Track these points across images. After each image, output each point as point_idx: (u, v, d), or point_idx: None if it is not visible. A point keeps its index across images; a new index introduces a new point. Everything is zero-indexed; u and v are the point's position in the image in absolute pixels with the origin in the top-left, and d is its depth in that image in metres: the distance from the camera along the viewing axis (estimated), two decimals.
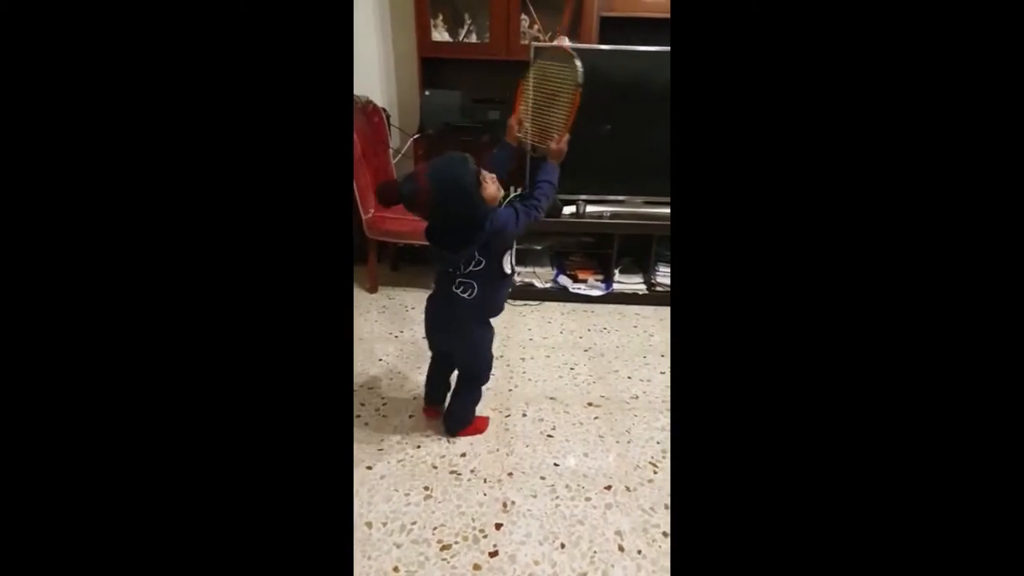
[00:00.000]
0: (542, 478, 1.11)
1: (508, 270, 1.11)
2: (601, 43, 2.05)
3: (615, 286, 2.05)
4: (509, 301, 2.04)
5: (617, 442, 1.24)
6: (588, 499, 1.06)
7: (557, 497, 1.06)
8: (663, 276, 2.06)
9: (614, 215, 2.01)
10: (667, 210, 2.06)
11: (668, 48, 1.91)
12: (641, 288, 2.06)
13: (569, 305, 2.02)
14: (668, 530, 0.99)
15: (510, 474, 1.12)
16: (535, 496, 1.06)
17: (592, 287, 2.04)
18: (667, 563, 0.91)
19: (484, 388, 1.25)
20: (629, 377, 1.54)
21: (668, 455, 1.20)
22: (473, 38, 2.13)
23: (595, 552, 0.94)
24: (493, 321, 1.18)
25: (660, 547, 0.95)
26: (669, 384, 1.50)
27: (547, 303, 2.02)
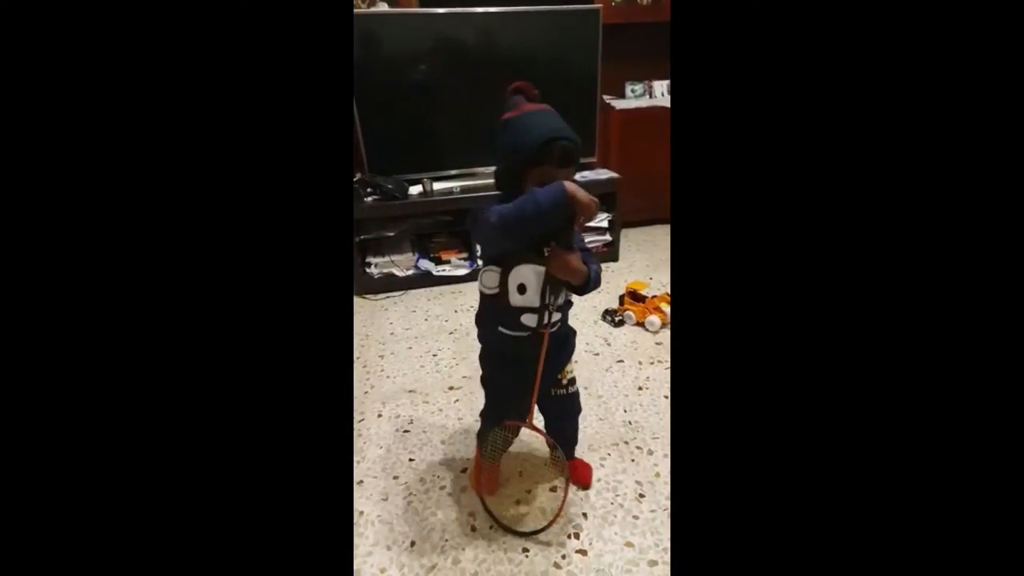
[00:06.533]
0: (395, 478, 1.06)
1: (481, 286, 0.84)
2: (422, 6, 1.94)
3: (480, 261, 2.03)
4: (369, 296, 1.93)
5: (476, 421, 1.22)
6: (443, 487, 1.04)
7: (411, 494, 1.02)
8: None
9: (465, 189, 1.97)
10: None
11: (504, 8, 1.87)
12: None
13: (436, 289, 1.96)
14: (520, 498, 1.00)
15: (360, 482, 1.06)
16: (386, 499, 1.01)
17: (457, 267, 2.00)
18: (518, 529, 0.93)
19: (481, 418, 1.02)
20: None
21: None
22: None
23: (447, 540, 0.92)
24: None
25: (512, 515, 0.96)
26: None
27: (411, 291, 1.94)
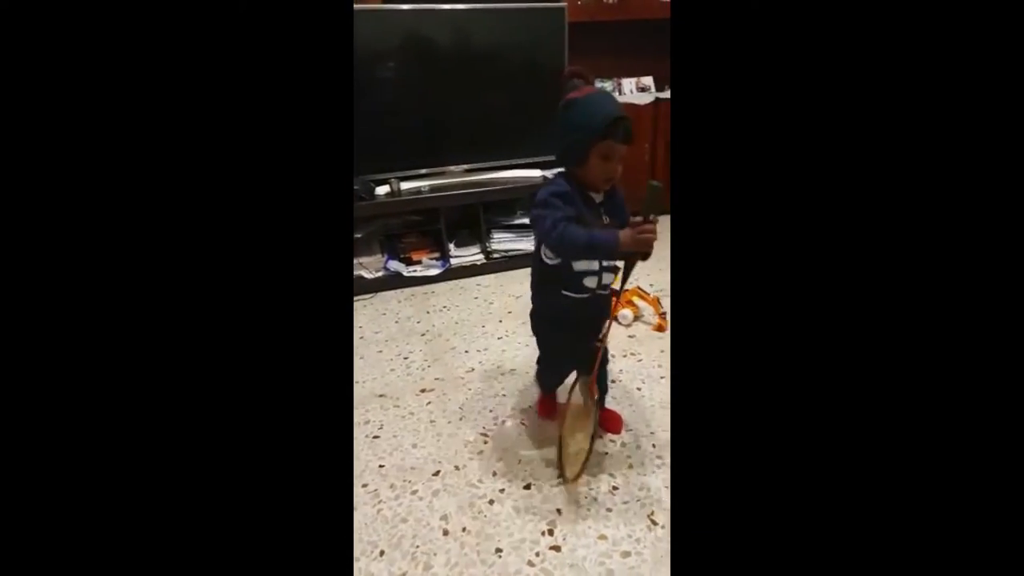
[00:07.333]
0: (364, 486, 1.03)
1: (545, 256, 0.94)
2: (386, 2, 1.90)
3: (452, 261, 2.00)
4: None
5: (449, 422, 1.21)
6: (415, 492, 1.01)
7: (380, 501, 0.99)
8: (498, 243, 2.07)
9: (434, 188, 1.94)
10: (490, 175, 2.05)
11: (470, 5, 1.85)
12: (479, 258, 2.04)
13: (406, 291, 1.92)
14: (493, 498, 0.98)
15: None
16: (354, 508, 0.98)
17: (428, 266, 1.97)
18: (492, 531, 0.91)
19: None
20: (466, 351, 1.51)
21: (500, 421, 1.20)
22: None
23: (417, 547, 0.89)
24: None
25: (485, 516, 0.94)
26: (504, 348, 1.51)
27: (381, 293, 1.90)
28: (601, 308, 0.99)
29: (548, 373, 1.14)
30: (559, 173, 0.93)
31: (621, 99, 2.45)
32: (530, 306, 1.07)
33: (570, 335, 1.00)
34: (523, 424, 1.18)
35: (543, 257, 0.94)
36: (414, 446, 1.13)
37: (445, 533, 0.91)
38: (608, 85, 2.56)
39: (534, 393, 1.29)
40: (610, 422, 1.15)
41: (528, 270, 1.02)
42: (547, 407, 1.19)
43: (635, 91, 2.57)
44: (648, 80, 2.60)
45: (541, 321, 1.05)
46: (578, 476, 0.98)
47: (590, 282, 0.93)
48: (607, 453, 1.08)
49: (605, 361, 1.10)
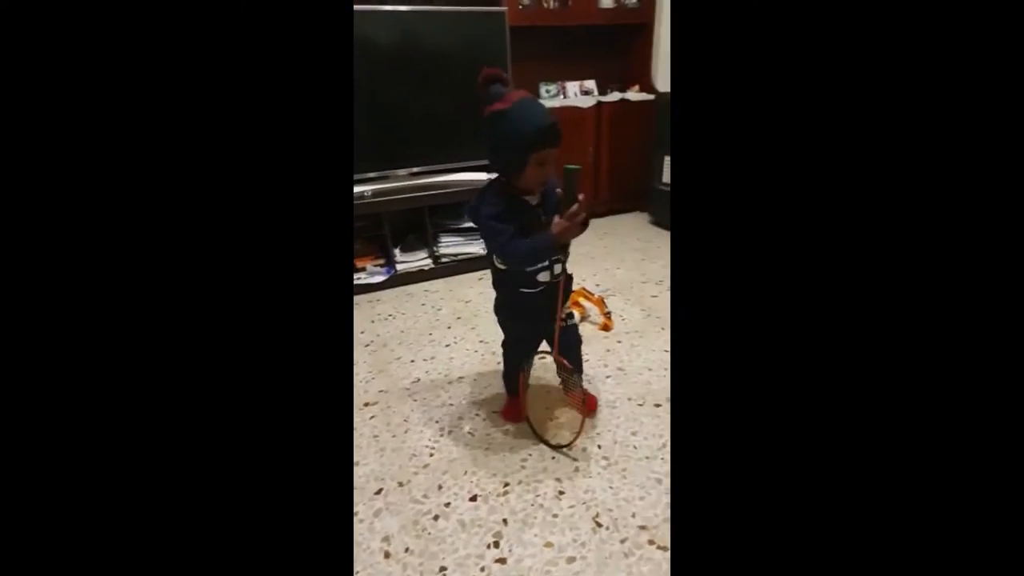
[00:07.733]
0: None
1: (498, 264, 0.99)
2: None
3: (399, 267, 1.95)
4: None
5: (393, 436, 1.16)
6: (355, 514, 0.96)
7: None
8: (446, 247, 2.03)
9: (377, 193, 1.88)
10: (435, 179, 2.01)
11: (411, 7, 1.80)
12: (427, 263, 2.00)
13: None
14: (438, 513, 0.95)
15: None
16: None
17: (372, 273, 1.90)
18: (436, 549, 0.88)
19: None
20: (412, 360, 1.47)
21: (447, 431, 1.17)
22: None
23: (358, 572, 0.85)
24: None
25: (429, 534, 0.91)
26: (452, 356, 1.48)
27: None
28: (557, 295, 1.02)
29: (513, 352, 1.16)
30: (492, 181, 0.97)
31: (565, 102, 2.50)
32: (482, 309, 1.07)
33: (531, 323, 1.07)
34: (470, 433, 1.16)
35: (496, 264, 1.00)
36: (355, 464, 1.08)
37: (386, 556, 0.87)
38: (553, 88, 2.59)
39: (483, 401, 1.27)
40: (586, 401, 1.19)
41: (478, 273, 1.03)
42: (512, 411, 1.20)
43: (579, 94, 2.62)
44: (591, 84, 2.65)
45: (503, 312, 1.10)
46: (573, 442, 1.08)
47: (543, 277, 0.98)
48: (554, 458, 1.08)
49: (578, 339, 1.15)
